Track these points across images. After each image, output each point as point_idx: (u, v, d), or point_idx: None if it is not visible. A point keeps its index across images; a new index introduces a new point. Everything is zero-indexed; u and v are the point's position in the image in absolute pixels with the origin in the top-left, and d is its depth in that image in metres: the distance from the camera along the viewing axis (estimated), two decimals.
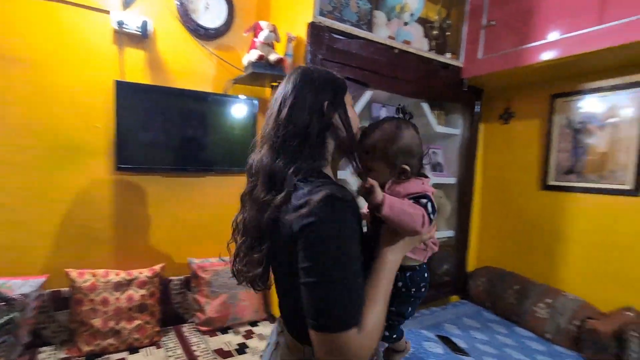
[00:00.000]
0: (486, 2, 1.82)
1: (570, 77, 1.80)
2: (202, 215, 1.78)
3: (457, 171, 2.15)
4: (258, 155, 0.64)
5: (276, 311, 1.59)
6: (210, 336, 1.46)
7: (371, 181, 0.60)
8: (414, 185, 0.68)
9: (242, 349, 1.39)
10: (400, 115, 0.73)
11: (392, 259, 0.62)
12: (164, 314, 1.49)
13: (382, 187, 0.65)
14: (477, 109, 2.13)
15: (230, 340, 1.44)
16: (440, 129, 2.05)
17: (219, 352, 1.35)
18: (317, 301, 0.52)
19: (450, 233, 2.14)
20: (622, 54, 1.44)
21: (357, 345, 0.51)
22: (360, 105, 1.62)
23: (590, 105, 1.75)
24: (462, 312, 1.97)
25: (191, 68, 1.72)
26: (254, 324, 1.60)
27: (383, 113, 1.81)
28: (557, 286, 1.79)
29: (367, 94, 1.64)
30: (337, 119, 0.65)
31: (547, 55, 1.56)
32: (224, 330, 1.51)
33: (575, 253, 1.77)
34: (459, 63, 1.93)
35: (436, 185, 2.10)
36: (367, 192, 0.60)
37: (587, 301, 1.66)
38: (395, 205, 0.61)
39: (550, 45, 1.55)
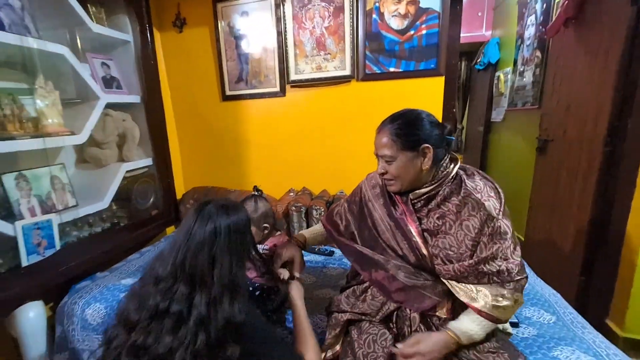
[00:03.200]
0: None
1: None
2: None
3: (138, 87, 1.85)
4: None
5: None
6: None
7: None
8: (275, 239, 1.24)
9: None
10: (254, 192, 1.25)
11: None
12: None
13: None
14: (146, 11, 1.82)
15: None
16: (101, 29, 1.62)
17: None
18: None
19: (147, 162, 1.93)
20: None
21: None
22: None
23: (242, 11, 1.86)
24: None
25: None
26: None
27: None
28: (244, 188, 2.08)
29: None
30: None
31: None
32: None
33: (252, 155, 2.07)
34: None
35: (116, 106, 1.74)
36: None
37: (267, 194, 2.03)
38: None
39: None
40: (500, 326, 0.94)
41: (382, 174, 0.94)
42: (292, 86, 1.88)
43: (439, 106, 1.69)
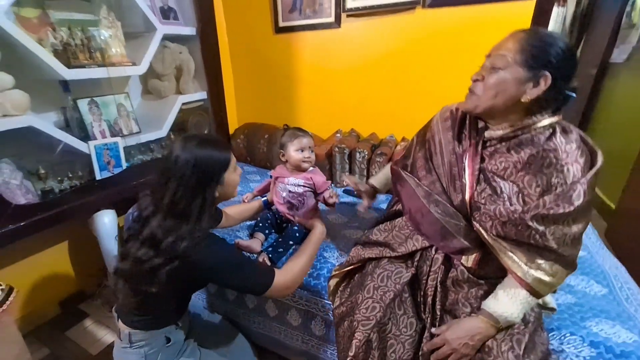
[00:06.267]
0: None
1: None
2: None
3: (194, 19, 1.94)
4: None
5: None
6: None
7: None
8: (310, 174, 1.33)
9: None
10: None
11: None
12: None
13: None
14: None
15: None
16: None
17: None
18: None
19: (202, 95, 2.08)
20: None
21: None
22: None
23: None
24: None
25: None
26: None
27: None
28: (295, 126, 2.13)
29: None
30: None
31: None
32: None
33: (302, 92, 2.07)
34: None
35: (173, 39, 1.88)
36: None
37: (314, 133, 2.06)
38: None
39: None
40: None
41: (475, 81, 0.82)
42: (348, 15, 1.76)
43: None
